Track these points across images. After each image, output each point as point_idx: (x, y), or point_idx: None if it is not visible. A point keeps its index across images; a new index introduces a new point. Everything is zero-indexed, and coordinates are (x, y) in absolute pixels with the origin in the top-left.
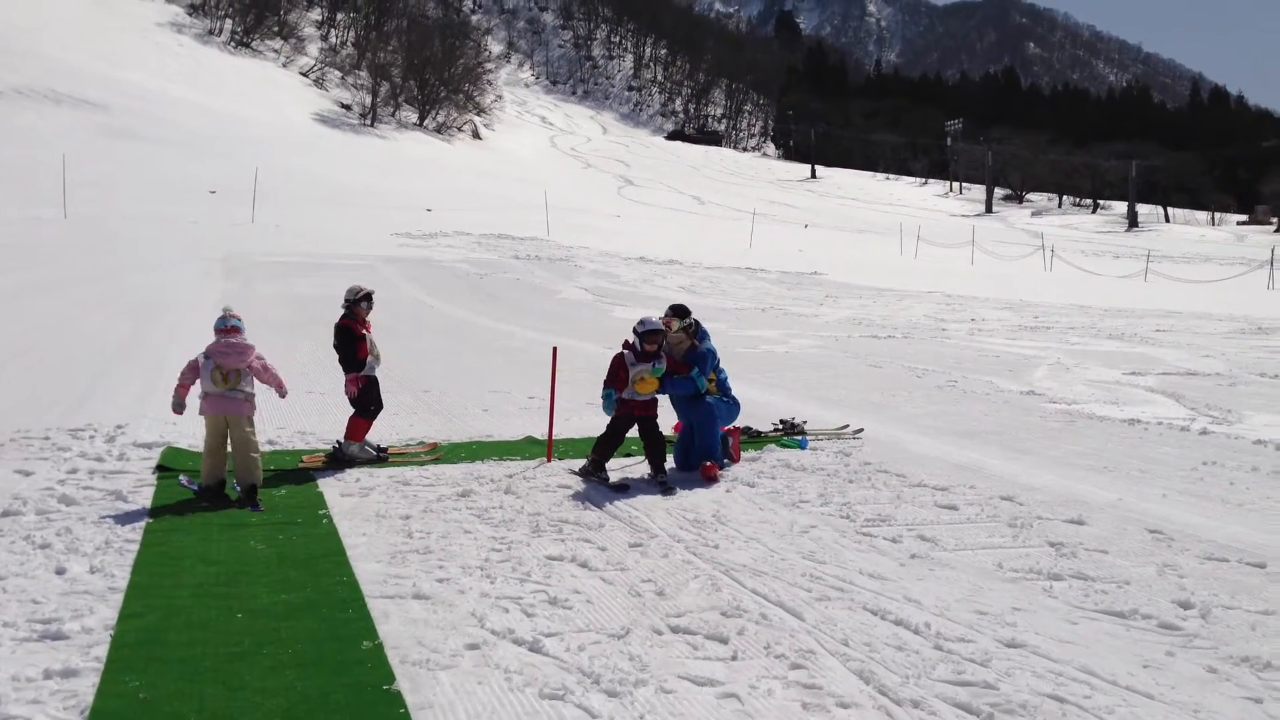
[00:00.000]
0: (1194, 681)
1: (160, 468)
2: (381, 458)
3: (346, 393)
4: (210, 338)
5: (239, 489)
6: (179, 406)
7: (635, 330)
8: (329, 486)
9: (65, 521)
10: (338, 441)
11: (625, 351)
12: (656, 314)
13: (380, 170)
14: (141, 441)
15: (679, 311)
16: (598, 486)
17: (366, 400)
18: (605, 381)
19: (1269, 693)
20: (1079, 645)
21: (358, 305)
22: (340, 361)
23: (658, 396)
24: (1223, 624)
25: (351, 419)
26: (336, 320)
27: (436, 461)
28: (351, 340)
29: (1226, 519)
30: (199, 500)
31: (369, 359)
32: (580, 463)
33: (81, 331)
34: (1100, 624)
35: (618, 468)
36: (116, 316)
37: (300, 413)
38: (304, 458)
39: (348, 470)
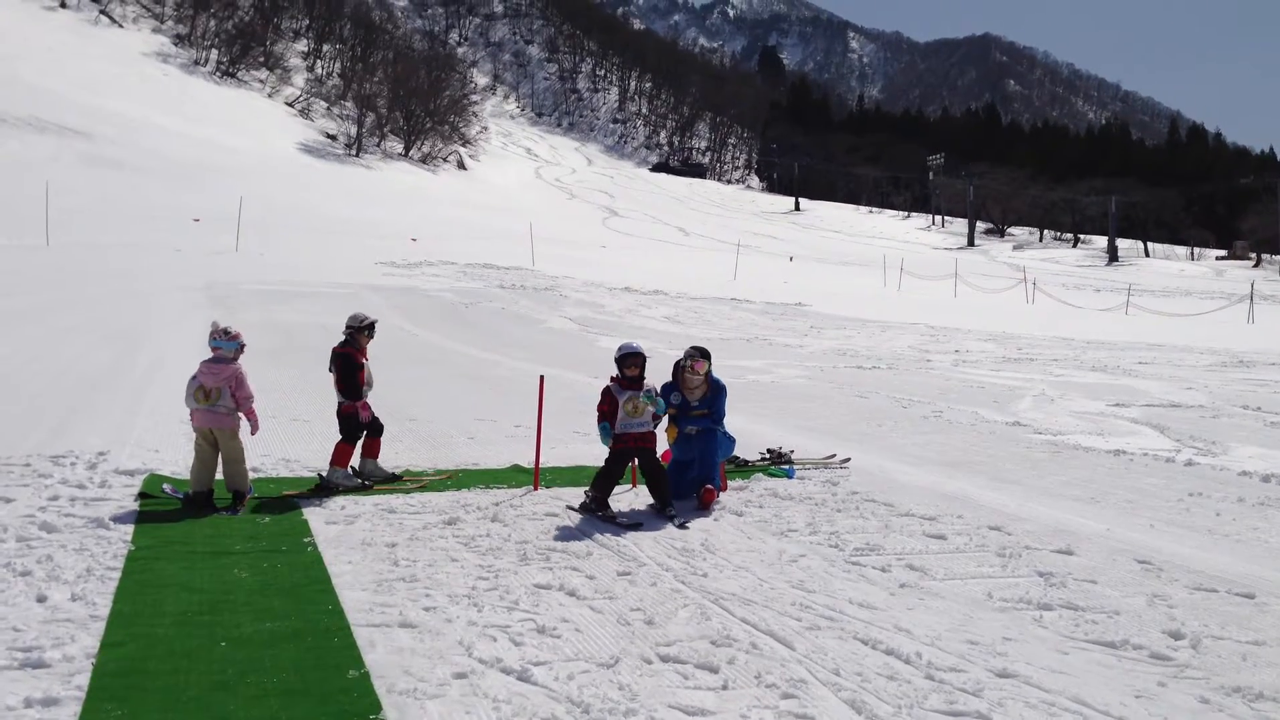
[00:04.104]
0: (1187, 712)
1: (143, 495)
2: (366, 486)
3: (361, 419)
4: (202, 356)
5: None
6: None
7: (615, 357)
8: (313, 514)
9: (46, 549)
10: (320, 474)
11: (611, 384)
12: (641, 343)
13: (365, 200)
14: (124, 469)
15: (705, 354)
16: (588, 515)
17: (357, 427)
18: (599, 418)
19: None
20: (1071, 675)
21: (360, 334)
22: (339, 388)
23: (654, 430)
24: (1213, 654)
25: (338, 445)
26: (336, 346)
27: (422, 489)
28: (353, 368)
29: (1214, 549)
30: (183, 512)
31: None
32: (575, 496)
33: (63, 358)
34: (1091, 654)
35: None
36: (99, 344)
37: (284, 440)
38: (286, 491)
39: (332, 498)
